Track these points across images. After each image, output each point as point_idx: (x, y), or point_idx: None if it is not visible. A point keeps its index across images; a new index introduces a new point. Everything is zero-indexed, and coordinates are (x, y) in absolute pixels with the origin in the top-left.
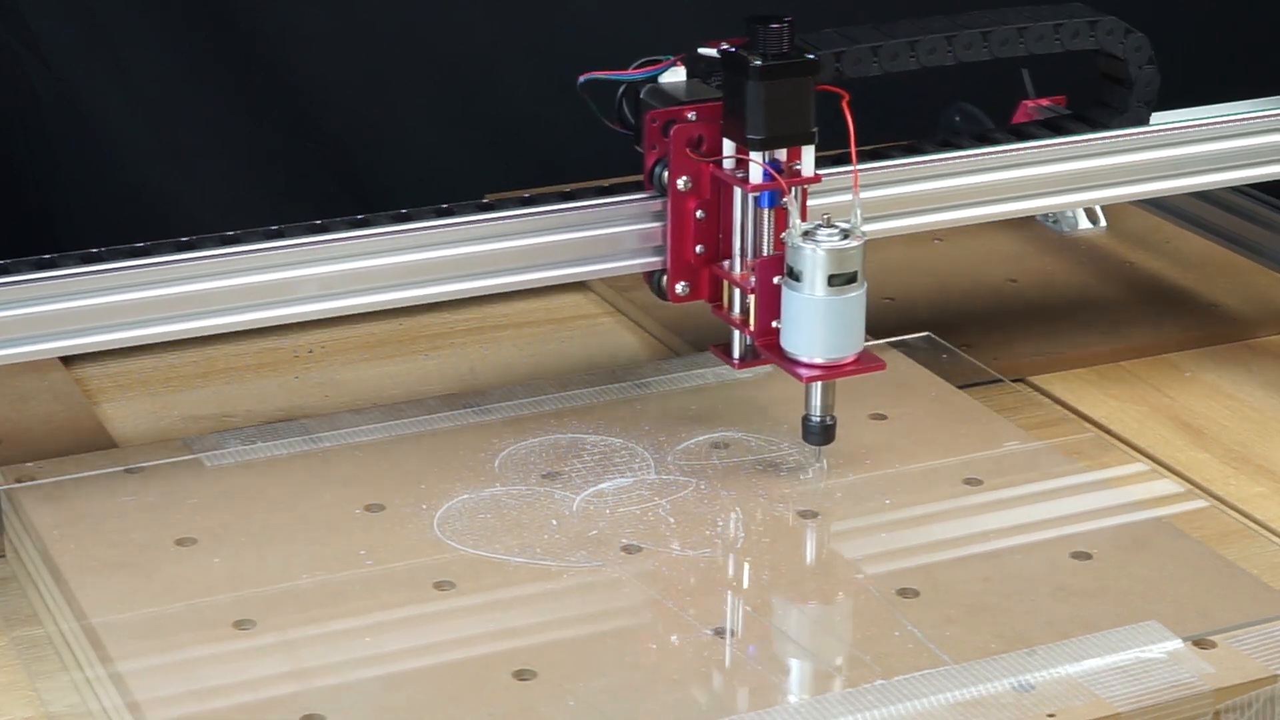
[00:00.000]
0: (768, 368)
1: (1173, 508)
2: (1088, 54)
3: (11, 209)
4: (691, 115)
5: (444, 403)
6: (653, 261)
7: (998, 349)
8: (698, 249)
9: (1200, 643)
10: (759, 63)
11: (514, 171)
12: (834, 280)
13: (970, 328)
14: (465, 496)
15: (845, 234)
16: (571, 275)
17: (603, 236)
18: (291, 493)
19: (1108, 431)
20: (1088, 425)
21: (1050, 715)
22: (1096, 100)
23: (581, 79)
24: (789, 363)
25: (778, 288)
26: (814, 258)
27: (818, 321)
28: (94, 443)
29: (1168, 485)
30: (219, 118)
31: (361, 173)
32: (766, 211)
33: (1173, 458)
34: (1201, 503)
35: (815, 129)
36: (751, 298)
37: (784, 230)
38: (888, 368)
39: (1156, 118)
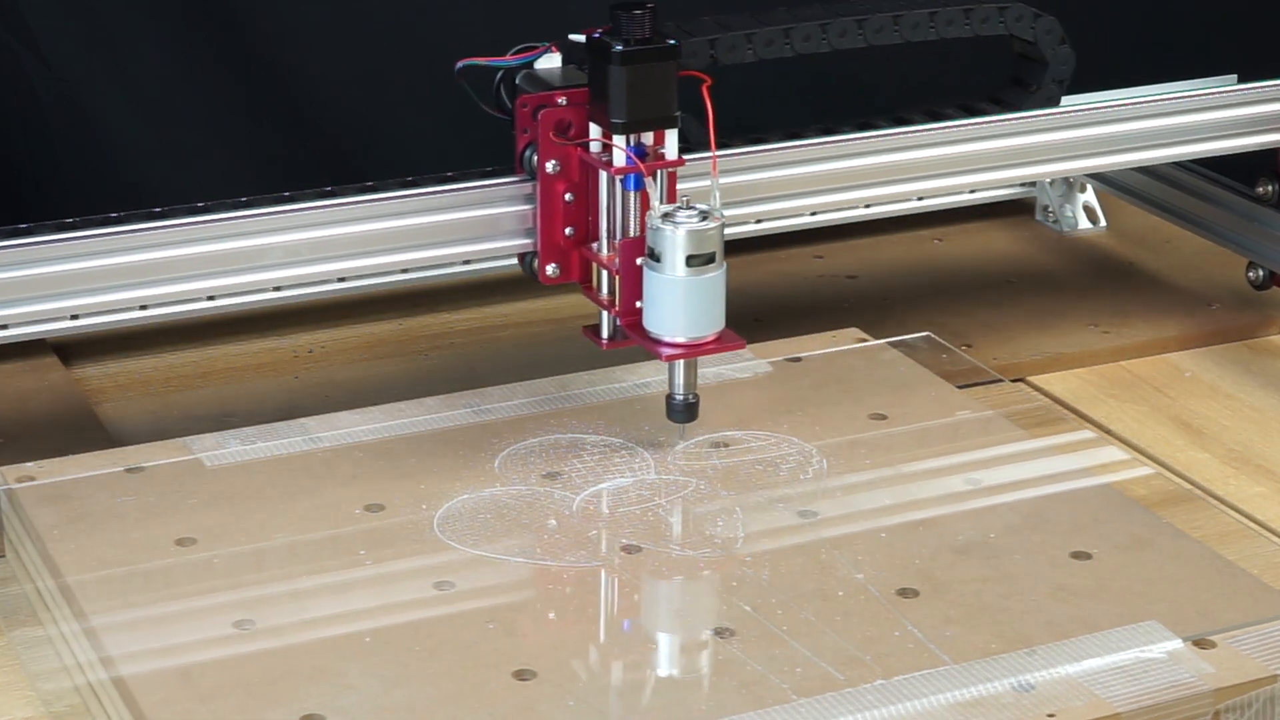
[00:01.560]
0: (766, 366)
1: (1174, 506)
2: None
3: (11, 209)
4: (561, 100)
5: (444, 403)
6: (525, 244)
7: (998, 349)
8: (567, 231)
9: (1200, 643)
10: (620, 48)
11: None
12: (693, 260)
13: (970, 328)
14: (465, 496)
15: (704, 215)
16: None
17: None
18: (291, 493)
19: (1108, 431)
20: (1087, 425)
21: (1050, 715)
22: (1011, 78)
23: (459, 65)
24: (651, 342)
25: (640, 268)
26: (673, 238)
27: (678, 301)
28: (94, 443)
29: (1168, 483)
30: (219, 118)
31: (361, 173)
32: (632, 194)
33: (1173, 458)
34: (1202, 497)
35: (678, 113)
36: (617, 278)
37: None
38: (887, 368)
39: (1085, 98)
